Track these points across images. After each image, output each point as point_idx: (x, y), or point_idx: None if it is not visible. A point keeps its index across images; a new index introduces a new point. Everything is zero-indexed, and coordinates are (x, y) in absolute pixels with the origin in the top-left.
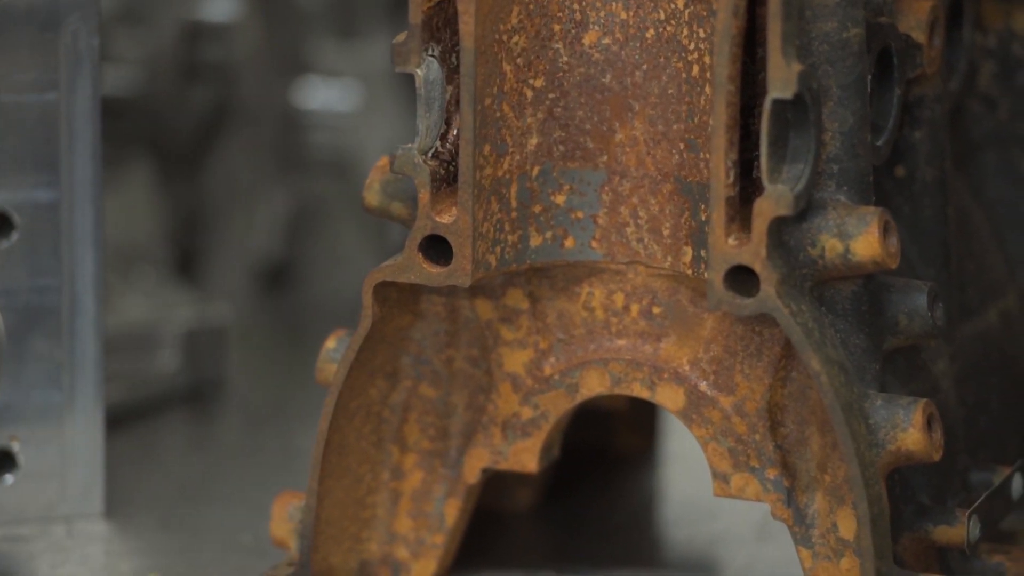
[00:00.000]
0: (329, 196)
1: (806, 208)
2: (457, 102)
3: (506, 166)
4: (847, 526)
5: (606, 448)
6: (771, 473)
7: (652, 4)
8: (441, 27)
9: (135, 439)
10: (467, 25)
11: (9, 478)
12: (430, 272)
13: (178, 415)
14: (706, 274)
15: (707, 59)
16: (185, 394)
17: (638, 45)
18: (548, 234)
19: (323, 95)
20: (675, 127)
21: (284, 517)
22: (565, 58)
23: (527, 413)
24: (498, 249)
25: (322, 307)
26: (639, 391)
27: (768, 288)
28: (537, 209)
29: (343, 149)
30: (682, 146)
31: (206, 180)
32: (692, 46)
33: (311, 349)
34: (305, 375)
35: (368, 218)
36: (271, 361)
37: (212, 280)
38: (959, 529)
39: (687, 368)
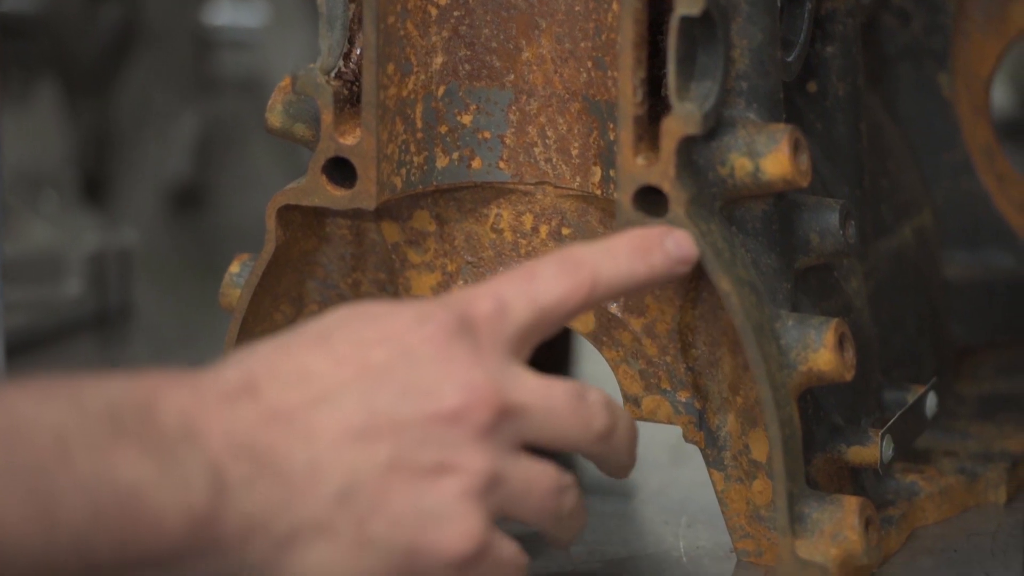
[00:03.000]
0: (240, 117)
1: (715, 127)
2: (360, 20)
3: (411, 86)
4: (759, 448)
5: None
6: (682, 395)
7: None
8: None
9: (41, 366)
10: None
11: None
12: (334, 195)
13: (84, 342)
14: (615, 194)
15: None
16: (91, 320)
17: None
18: (455, 155)
19: (232, 12)
20: (582, 45)
21: None
22: None
23: None
24: (403, 171)
25: (233, 230)
26: None
27: (677, 208)
28: (443, 129)
29: (253, 68)
30: (590, 64)
31: (113, 101)
32: None
33: (221, 273)
34: (215, 300)
35: (277, 139)
36: (179, 286)
37: (119, 204)
38: (872, 449)
39: None
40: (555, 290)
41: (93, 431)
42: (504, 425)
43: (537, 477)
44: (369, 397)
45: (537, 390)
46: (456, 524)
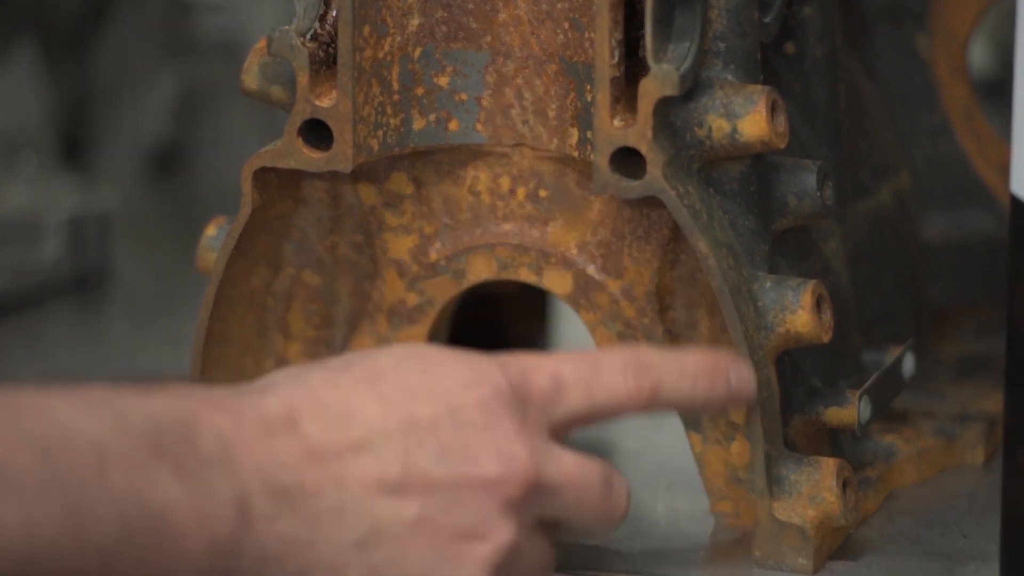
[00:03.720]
0: (218, 78)
1: (692, 88)
2: None
3: (387, 48)
4: (737, 410)
5: (497, 334)
6: None
7: None
8: None
9: (18, 330)
10: None
11: None
12: (310, 157)
13: (63, 305)
14: (592, 156)
15: None
16: (70, 283)
17: None
18: (431, 117)
19: None
20: (559, 6)
21: None
22: None
23: (413, 299)
24: (380, 133)
25: (211, 192)
26: (526, 276)
27: (655, 170)
28: (420, 91)
29: (231, 30)
30: (567, 25)
31: (92, 63)
32: None
33: (199, 236)
34: (194, 262)
35: (254, 101)
36: (158, 248)
37: (98, 166)
38: (850, 410)
39: (575, 252)
40: (615, 389)
41: (132, 449)
42: (533, 501)
43: (544, 556)
44: (409, 452)
45: (572, 473)
46: None
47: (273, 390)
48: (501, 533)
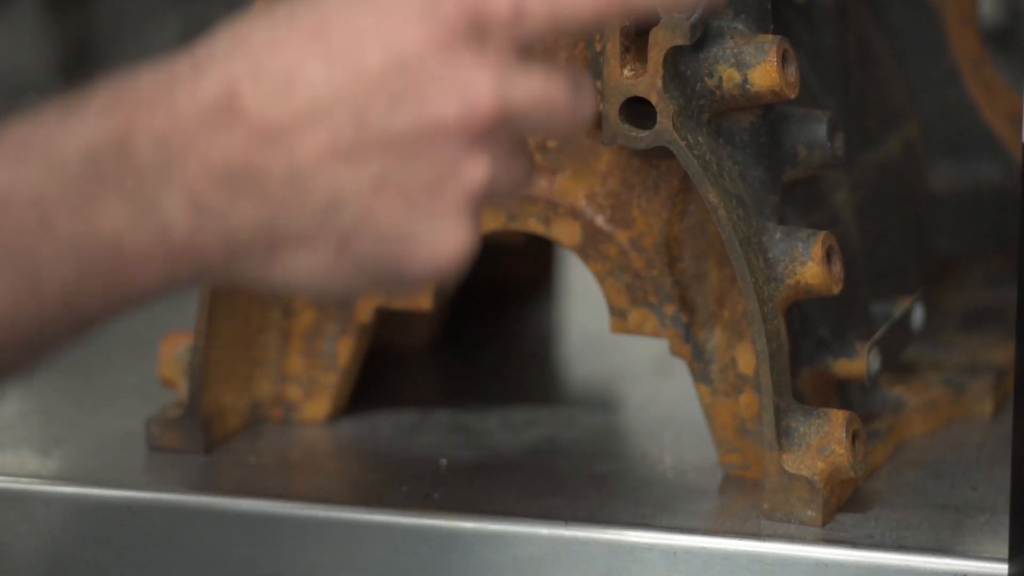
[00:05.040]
0: (224, 22)
1: (703, 37)
2: None
3: None
4: (746, 361)
5: (503, 284)
6: (669, 309)
7: None
8: None
9: None
10: None
11: None
12: None
13: None
14: (602, 106)
15: None
16: None
17: None
18: None
19: None
20: None
21: (172, 358)
22: None
23: None
24: None
25: None
26: (534, 226)
27: (665, 120)
28: None
29: None
30: None
31: (96, 9)
32: None
33: None
34: None
35: None
36: None
37: None
38: (859, 362)
39: (583, 203)
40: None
41: (71, 189)
42: (501, 129)
43: (521, 170)
44: (359, 110)
45: (538, 91)
46: (445, 241)
47: (210, 67)
48: (472, 171)
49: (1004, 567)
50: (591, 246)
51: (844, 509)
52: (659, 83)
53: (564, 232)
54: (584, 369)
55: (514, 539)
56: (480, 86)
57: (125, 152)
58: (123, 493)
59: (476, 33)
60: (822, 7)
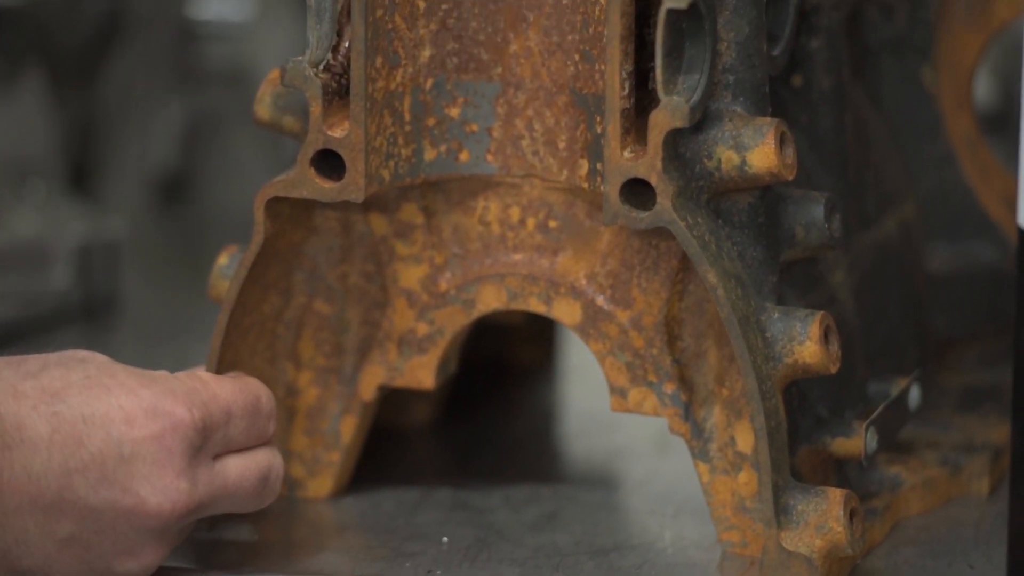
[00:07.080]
0: (225, 108)
1: (702, 119)
2: (348, 13)
3: (399, 79)
4: (745, 440)
5: (504, 362)
6: (669, 387)
7: None
8: None
9: None
10: None
11: None
12: (323, 187)
13: (71, 332)
14: (602, 187)
15: None
16: (78, 311)
17: None
18: (442, 147)
19: (217, 5)
20: (570, 37)
21: None
22: None
23: (423, 329)
24: (392, 163)
25: (218, 221)
26: (535, 306)
27: (664, 201)
28: (431, 122)
29: (239, 60)
30: (577, 57)
31: (100, 91)
32: None
33: (207, 264)
34: (201, 290)
35: (265, 130)
36: (166, 276)
37: (106, 194)
38: (856, 441)
39: (584, 282)
40: (264, 432)
41: None
42: (191, 519)
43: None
44: (69, 476)
45: (230, 486)
46: None
47: None
48: (152, 554)
49: None
50: (592, 325)
51: None
52: (659, 164)
53: (565, 311)
54: (585, 447)
55: None
56: (183, 485)
57: None
58: None
59: (197, 436)
60: (820, 89)
